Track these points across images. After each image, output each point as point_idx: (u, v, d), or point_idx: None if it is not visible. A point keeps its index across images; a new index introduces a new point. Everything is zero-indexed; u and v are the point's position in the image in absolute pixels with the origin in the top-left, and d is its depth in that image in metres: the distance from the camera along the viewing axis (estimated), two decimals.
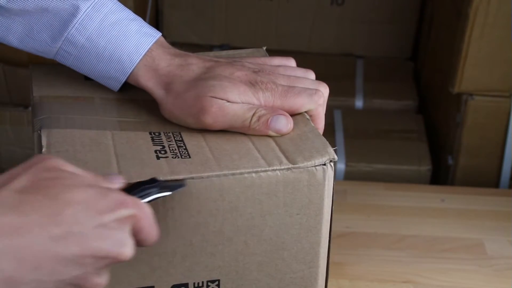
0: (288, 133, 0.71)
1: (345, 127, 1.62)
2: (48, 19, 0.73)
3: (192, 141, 0.71)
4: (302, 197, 0.68)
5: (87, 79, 0.78)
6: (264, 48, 0.84)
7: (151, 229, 0.59)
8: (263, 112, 0.71)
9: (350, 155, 1.52)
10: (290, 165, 0.67)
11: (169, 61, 0.73)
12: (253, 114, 0.70)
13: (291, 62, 0.78)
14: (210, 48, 1.86)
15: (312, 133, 0.72)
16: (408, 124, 1.64)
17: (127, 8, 0.75)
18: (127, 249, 0.57)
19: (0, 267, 0.52)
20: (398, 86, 1.77)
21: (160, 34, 0.75)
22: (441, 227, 1.16)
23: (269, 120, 0.70)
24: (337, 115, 1.65)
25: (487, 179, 1.46)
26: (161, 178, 0.64)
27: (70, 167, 0.58)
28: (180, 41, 1.82)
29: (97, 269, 0.56)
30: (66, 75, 0.79)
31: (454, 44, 1.41)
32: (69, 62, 0.75)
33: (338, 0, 1.82)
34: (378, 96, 1.74)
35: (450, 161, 1.50)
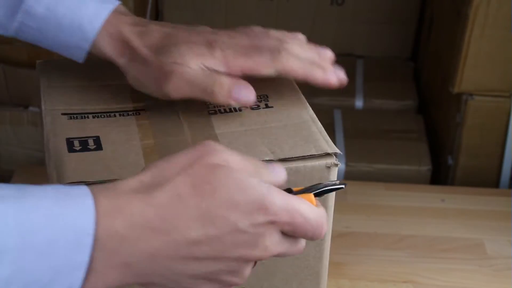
0: (251, 105, 0.70)
1: (345, 127, 1.61)
2: None
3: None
4: None
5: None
6: None
7: (304, 229, 0.58)
8: (224, 79, 0.69)
9: (350, 155, 1.52)
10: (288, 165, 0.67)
11: (131, 29, 0.73)
12: (215, 82, 0.69)
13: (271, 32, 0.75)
14: None
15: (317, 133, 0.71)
16: (408, 124, 1.64)
17: None
18: (259, 253, 0.57)
19: (137, 265, 0.54)
20: (398, 86, 1.77)
21: (118, 2, 0.75)
22: (441, 227, 1.16)
23: (232, 90, 0.69)
24: (337, 115, 1.65)
25: (487, 179, 1.46)
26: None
27: (232, 160, 0.57)
28: None
29: (231, 267, 0.57)
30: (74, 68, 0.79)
31: (454, 44, 1.41)
32: (30, 36, 0.74)
33: (338, 0, 1.82)
34: (378, 96, 1.74)
35: (450, 161, 1.50)
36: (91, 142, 0.70)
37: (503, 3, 1.31)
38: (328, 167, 0.68)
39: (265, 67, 0.71)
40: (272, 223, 0.57)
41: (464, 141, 1.45)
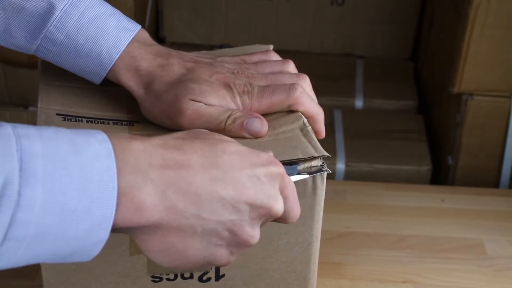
0: (263, 135, 0.72)
1: (345, 127, 1.62)
2: (26, 17, 0.73)
3: None
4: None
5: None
6: (271, 47, 0.85)
7: (295, 201, 0.62)
8: (238, 114, 0.72)
9: (350, 155, 1.52)
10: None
11: (151, 61, 0.74)
12: (228, 116, 0.72)
13: (271, 56, 0.79)
14: (210, 48, 1.86)
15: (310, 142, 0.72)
16: (408, 124, 1.64)
17: (105, 2, 0.75)
18: (279, 204, 0.60)
19: (167, 195, 0.56)
20: (398, 86, 1.77)
21: (139, 27, 0.75)
22: (441, 227, 1.16)
23: (244, 122, 0.72)
24: (337, 115, 1.65)
25: (487, 179, 1.46)
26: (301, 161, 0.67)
27: (223, 136, 0.62)
28: (180, 41, 1.82)
29: (252, 219, 0.59)
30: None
31: (454, 44, 1.41)
32: (49, 58, 0.75)
33: (338, 0, 1.82)
34: (378, 96, 1.74)
35: (450, 161, 1.50)
36: None
37: (503, 3, 1.31)
38: (314, 172, 0.68)
39: (279, 106, 0.74)
40: (280, 176, 0.60)
41: (464, 141, 1.45)
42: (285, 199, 0.61)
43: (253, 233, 0.59)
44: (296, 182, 0.68)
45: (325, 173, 0.69)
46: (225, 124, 0.72)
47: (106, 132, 0.56)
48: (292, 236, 0.72)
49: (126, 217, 0.54)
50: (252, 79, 0.75)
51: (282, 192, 0.61)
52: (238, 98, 0.73)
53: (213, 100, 0.72)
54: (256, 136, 0.72)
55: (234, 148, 0.60)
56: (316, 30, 1.85)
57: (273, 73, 0.76)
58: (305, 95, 0.75)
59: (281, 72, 0.77)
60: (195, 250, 0.58)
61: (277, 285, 0.75)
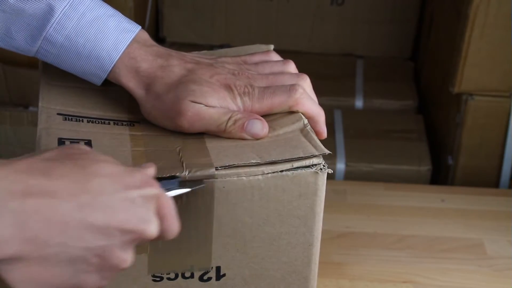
0: (264, 137, 0.72)
1: (345, 127, 1.62)
2: (26, 19, 0.73)
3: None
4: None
5: None
6: (272, 47, 0.85)
7: (173, 219, 0.60)
8: (239, 116, 0.72)
9: (350, 155, 1.52)
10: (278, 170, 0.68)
11: (151, 62, 0.74)
12: (229, 118, 0.72)
13: (271, 56, 0.79)
14: (210, 48, 1.86)
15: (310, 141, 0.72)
16: (408, 124, 1.64)
17: (105, 3, 0.75)
18: (152, 227, 0.58)
19: (28, 225, 0.53)
20: (398, 86, 1.77)
21: (139, 28, 0.75)
22: (441, 227, 1.16)
23: (245, 124, 0.72)
24: (337, 115, 1.65)
25: (487, 179, 1.46)
26: (180, 175, 0.66)
27: (98, 154, 0.59)
28: (180, 41, 1.82)
29: (123, 243, 0.57)
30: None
31: (454, 44, 1.41)
32: (49, 59, 0.75)
33: (338, 0, 1.82)
34: (378, 96, 1.74)
35: (450, 161, 1.50)
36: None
37: (503, 3, 1.31)
38: (316, 171, 0.68)
39: (280, 107, 0.74)
40: (155, 197, 0.59)
41: (464, 141, 1.45)
42: (162, 218, 0.60)
43: (125, 257, 0.57)
44: (297, 182, 0.68)
45: (325, 173, 0.69)
46: (225, 125, 0.72)
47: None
48: (293, 237, 0.72)
49: None
50: (252, 80, 0.74)
51: (159, 212, 0.59)
52: (238, 99, 0.73)
53: (214, 101, 0.72)
54: (256, 137, 0.72)
55: (108, 170, 0.57)
56: (316, 30, 1.85)
57: (274, 74, 0.76)
58: (306, 96, 0.75)
59: (282, 73, 0.77)
60: (62, 278, 0.56)
61: (278, 285, 0.75)
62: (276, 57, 0.79)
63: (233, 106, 0.73)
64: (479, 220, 1.18)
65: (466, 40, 1.35)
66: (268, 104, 0.74)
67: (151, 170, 0.62)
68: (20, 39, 0.74)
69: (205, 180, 0.67)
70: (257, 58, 0.78)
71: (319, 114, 0.75)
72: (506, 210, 1.20)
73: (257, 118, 0.72)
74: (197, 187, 0.67)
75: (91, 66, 0.74)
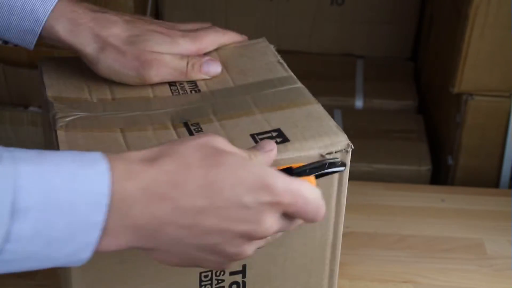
0: (217, 74, 0.79)
1: (345, 127, 1.61)
2: None
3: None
4: None
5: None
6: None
7: (305, 212, 0.61)
8: (194, 59, 0.78)
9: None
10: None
11: (92, 16, 0.76)
12: (187, 63, 0.78)
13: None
14: None
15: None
16: (408, 124, 1.64)
17: None
18: (261, 229, 0.60)
19: (151, 227, 0.57)
20: (398, 86, 1.77)
21: None
22: (441, 227, 1.16)
23: (202, 65, 0.78)
24: (337, 115, 1.65)
25: (487, 179, 1.46)
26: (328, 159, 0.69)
27: (228, 146, 0.61)
28: None
29: (237, 242, 0.60)
30: (77, 68, 0.79)
31: (454, 44, 1.41)
32: None
33: (338, 0, 1.82)
34: (378, 96, 1.74)
35: (450, 161, 1.50)
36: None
37: (503, 3, 1.31)
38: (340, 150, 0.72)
39: (212, 44, 0.82)
40: (275, 204, 0.60)
41: (464, 141, 1.45)
42: (293, 214, 0.62)
43: (240, 250, 0.61)
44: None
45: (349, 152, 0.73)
46: (186, 69, 0.77)
47: (96, 145, 0.58)
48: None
49: (115, 244, 0.57)
50: (179, 27, 0.81)
51: (288, 212, 0.61)
52: (181, 42, 0.79)
53: (166, 48, 0.77)
54: (212, 75, 0.79)
55: (231, 174, 0.59)
56: (316, 30, 1.85)
57: (193, 26, 0.84)
58: (223, 30, 0.84)
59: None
60: (186, 262, 0.62)
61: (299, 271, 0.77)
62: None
63: (180, 49, 0.78)
64: (479, 220, 1.18)
65: (466, 40, 1.35)
66: (205, 43, 0.81)
67: (273, 154, 0.65)
68: None
69: None
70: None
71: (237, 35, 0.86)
72: (506, 210, 1.20)
73: (210, 59, 0.80)
74: (337, 168, 0.72)
75: (26, 21, 0.73)
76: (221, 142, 0.61)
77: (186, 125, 0.73)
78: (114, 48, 0.75)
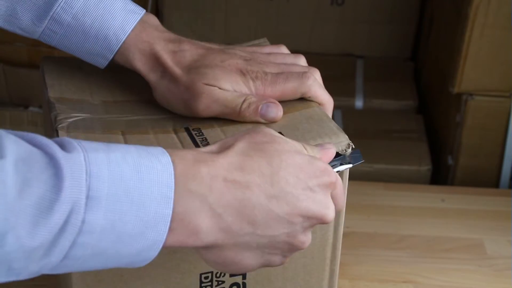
0: (278, 121, 0.74)
1: (345, 127, 1.62)
2: None
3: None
4: None
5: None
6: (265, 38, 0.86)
7: (342, 196, 0.65)
8: (253, 99, 0.73)
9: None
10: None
11: (164, 46, 0.75)
12: (244, 101, 0.73)
13: (282, 49, 0.80)
14: None
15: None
16: (408, 124, 1.64)
17: None
18: (331, 212, 0.62)
19: (223, 217, 0.58)
20: (398, 86, 1.77)
21: (144, 11, 0.76)
22: (441, 227, 1.16)
23: (260, 107, 0.73)
24: (337, 115, 1.65)
25: (487, 179, 1.46)
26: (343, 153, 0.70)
27: (282, 141, 0.62)
28: None
29: (304, 228, 0.61)
30: (79, 68, 0.79)
31: (454, 44, 1.41)
32: (54, 41, 0.75)
33: (338, 0, 1.82)
34: (378, 96, 1.74)
35: (450, 161, 1.50)
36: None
37: (503, 3, 1.31)
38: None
39: (292, 93, 0.76)
40: (332, 184, 0.62)
41: (464, 141, 1.45)
42: (334, 197, 0.64)
43: (305, 239, 0.62)
44: None
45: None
46: (240, 108, 0.73)
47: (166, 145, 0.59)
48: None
49: (180, 240, 0.57)
50: (264, 66, 0.75)
51: (333, 193, 0.63)
52: (251, 84, 0.74)
53: (227, 85, 0.73)
54: (271, 121, 0.73)
55: (291, 161, 0.61)
56: (316, 30, 1.85)
57: (286, 64, 0.77)
58: (318, 83, 0.76)
59: (293, 64, 0.78)
60: (251, 260, 0.61)
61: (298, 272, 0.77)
62: (286, 50, 0.81)
63: (246, 90, 0.73)
64: (479, 220, 1.18)
65: (466, 40, 1.35)
66: (280, 89, 0.74)
67: (332, 152, 0.66)
68: (26, 20, 0.74)
69: None
70: (268, 49, 0.80)
71: (329, 102, 0.78)
72: (506, 210, 1.20)
73: (272, 102, 0.73)
74: (357, 162, 0.70)
75: (98, 46, 0.74)
76: (272, 133, 0.63)
77: (187, 130, 0.73)
78: (171, 77, 0.74)
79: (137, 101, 0.77)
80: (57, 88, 0.77)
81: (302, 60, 0.79)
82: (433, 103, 1.69)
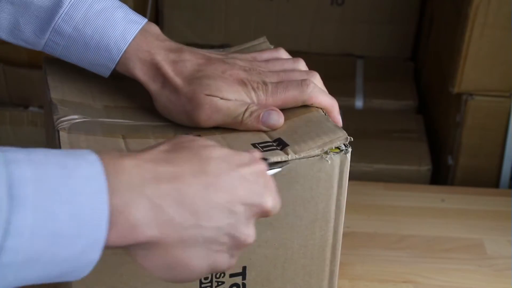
0: (279, 127, 0.74)
1: (345, 127, 1.61)
2: (34, 11, 0.74)
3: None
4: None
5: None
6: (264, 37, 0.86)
7: (276, 195, 0.62)
8: (254, 107, 0.73)
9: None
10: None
11: (164, 55, 0.75)
12: (246, 109, 0.73)
13: (281, 53, 0.80)
14: (210, 48, 1.85)
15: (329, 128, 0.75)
16: (408, 124, 1.64)
17: None
18: (270, 200, 0.61)
19: (163, 209, 0.55)
20: (398, 86, 1.77)
21: (145, 20, 0.76)
22: (441, 227, 1.16)
23: (261, 115, 0.73)
24: None
25: (487, 179, 1.46)
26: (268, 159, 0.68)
27: (203, 140, 0.61)
28: (180, 41, 1.80)
29: (246, 218, 0.59)
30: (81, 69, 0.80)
31: (454, 44, 1.41)
32: (57, 52, 0.76)
33: (338, 0, 1.82)
34: (378, 96, 1.74)
35: (450, 161, 1.50)
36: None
37: (503, 3, 1.31)
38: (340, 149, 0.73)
39: (293, 101, 0.76)
40: (263, 172, 0.61)
41: (464, 141, 1.45)
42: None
43: (249, 232, 0.60)
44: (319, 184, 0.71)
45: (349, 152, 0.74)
46: (242, 117, 0.73)
47: (98, 149, 0.56)
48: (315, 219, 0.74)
49: (121, 235, 0.54)
50: (264, 76, 0.75)
51: (266, 187, 0.61)
52: (253, 94, 0.74)
53: (229, 95, 0.73)
54: (272, 128, 0.73)
55: (218, 152, 0.60)
56: (316, 30, 1.85)
57: (285, 71, 0.77)
58: (318, 89, 0.76)
59: (293, 70, 0.78)
60: (199, 259, 0.58)
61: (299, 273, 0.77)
62: (285, 54, 0.80)
63: (247, 100, 0.74)
64: (479, 220, 1.18)
65: (466, 40, 1.35)
66: (281, 99, 0.75)
67: (257, 154, 0.64)
68: (29, 32, 0.74)
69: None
70: (266, 55, 0.79)
71: (333, 105, 0.78)
72: (506, 210, 1.20)
73: (273, 109, 0.73)
74: (284, 166, 0.69)
75: (100, 57, 0.75)
76: (191, 136, 0.62)
77: None
78: (171, 89, 0.74)
79: (139, 108, 0.77)
80: (59, 90, 0.77)
81: (301, 64, 0.79)
82: (433, 103, 1.69)
